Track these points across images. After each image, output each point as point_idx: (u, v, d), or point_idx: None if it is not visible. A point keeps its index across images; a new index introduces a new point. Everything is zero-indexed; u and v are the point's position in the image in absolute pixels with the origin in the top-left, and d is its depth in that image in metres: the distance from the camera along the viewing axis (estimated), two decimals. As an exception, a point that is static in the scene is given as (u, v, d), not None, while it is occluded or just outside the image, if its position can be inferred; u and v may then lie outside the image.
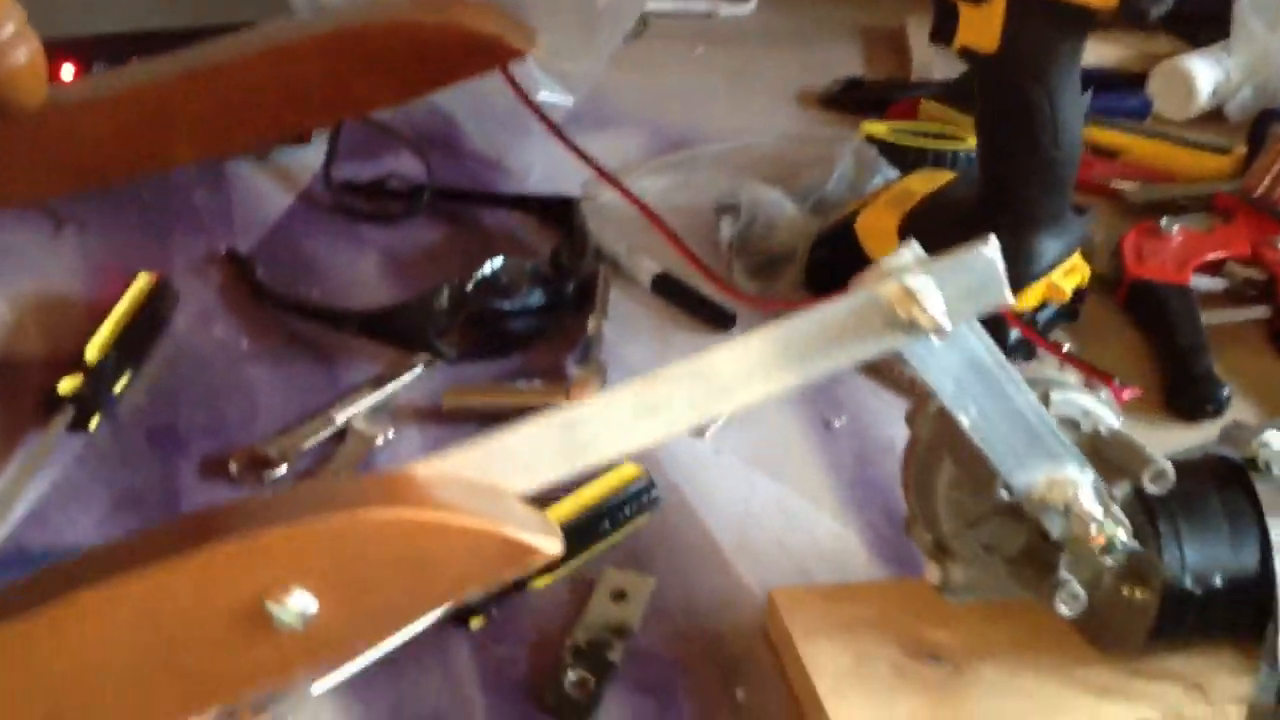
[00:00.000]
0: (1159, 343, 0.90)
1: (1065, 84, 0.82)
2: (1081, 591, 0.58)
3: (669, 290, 0.97)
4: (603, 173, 1.02)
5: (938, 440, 0.60)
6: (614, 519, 0.73)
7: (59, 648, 0.45)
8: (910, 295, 0.51)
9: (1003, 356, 0.55)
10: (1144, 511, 0.60)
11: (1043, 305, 0.89)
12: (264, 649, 0.47)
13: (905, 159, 1.05)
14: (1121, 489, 0.58)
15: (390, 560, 0.47)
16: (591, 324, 0.90)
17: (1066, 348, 0.89)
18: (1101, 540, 0.56)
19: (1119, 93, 1.25)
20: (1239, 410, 0.86)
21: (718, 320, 0.94)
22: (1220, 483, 0.60)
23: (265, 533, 0.46)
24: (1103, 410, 0.59)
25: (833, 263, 0.94)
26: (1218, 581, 0.59)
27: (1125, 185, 1.12)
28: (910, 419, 0.61)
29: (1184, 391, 0.85)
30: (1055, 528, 0.57)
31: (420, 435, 0.82)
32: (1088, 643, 0.64)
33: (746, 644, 0.68)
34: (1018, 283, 0.82)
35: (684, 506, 0.77)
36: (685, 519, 0.76)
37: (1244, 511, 0.60)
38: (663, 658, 0.67)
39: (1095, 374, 0.83)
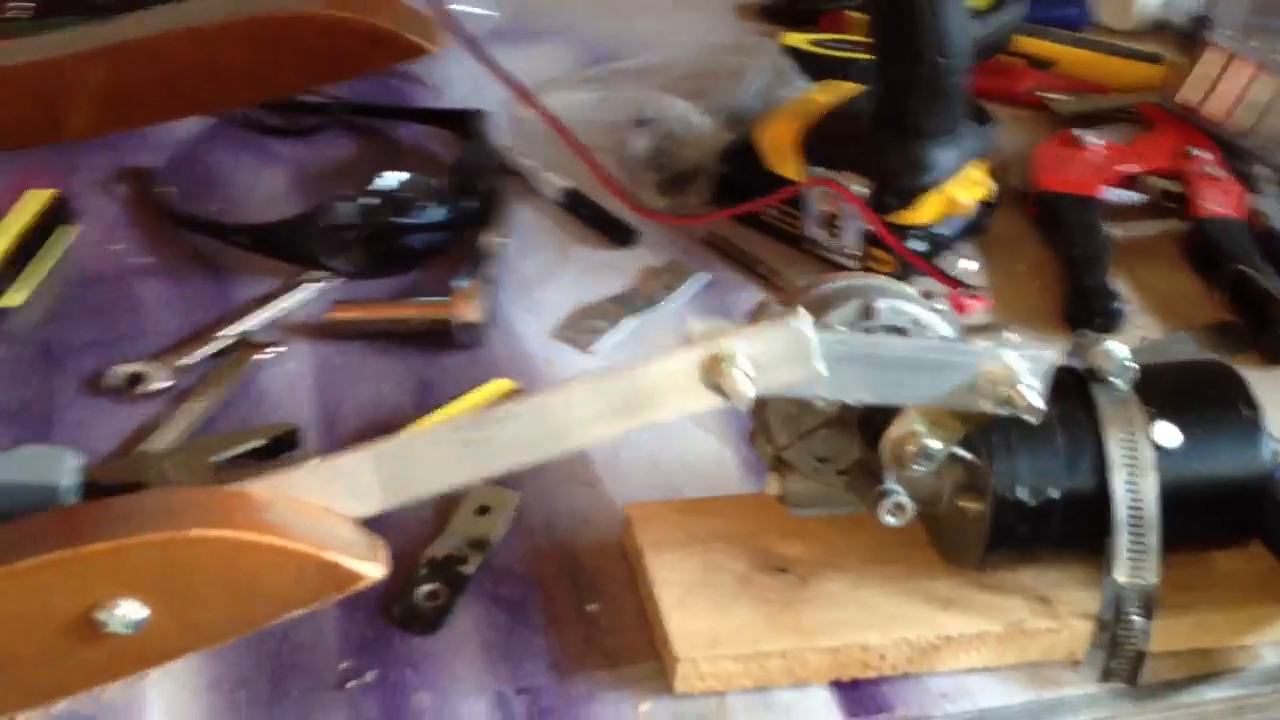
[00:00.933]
0: (1061, 256, 0.89)
1: (947, -12, 0.80)
2: (908, 502, 0.58)
3: (575, 205, 0.96)
4: (516, 87, 1.01)
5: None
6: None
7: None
8: (721, 365, 0.51)
9: None
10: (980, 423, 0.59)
11: (942, 218, 0.87)
12: (96, 653, 0.48)
13: (824, 70, 1.04)
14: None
15: (216, 577, 0.48)
16: (485, 239, 0.89)
17: (963, 264, 0.88)
18: (914, 448, 0.55)
19: (1057, 2, 1.23)
20: (1144, 324, 0.86)
21: (620, 236, 0.93)
22: (1059, 394, 0.59)
23: (92, 547, 0.46)
24: (934, 320, 0.58)
25: (736, 177, 0.93)
26: (1053, 493, 0.58)
27: (1054, 96, 1.10)
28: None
29: (1079, 304, 0.84)
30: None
31: (310, 350, 0.82)
32: (939, 557, 0.64)
33: (604, 559, 0.67)
34: (910, 195, 0.83)
35: (559, 420, 0.76)
36: (560, 434, 0.75)
37: (1081, 423, 0.59)
38: (519, 572, 0.67)
39: (948, 283, 0.83)
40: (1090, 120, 1.05)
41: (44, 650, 0.46)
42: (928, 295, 0.61)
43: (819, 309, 0.59)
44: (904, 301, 0.59)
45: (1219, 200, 0.91)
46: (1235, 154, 0.98)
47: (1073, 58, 1.14)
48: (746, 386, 0.52)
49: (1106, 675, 0.59)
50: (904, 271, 0.86)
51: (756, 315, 0.60)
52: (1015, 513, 0.59)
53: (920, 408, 0.56)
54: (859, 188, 0.85)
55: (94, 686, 0.52)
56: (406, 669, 0.61)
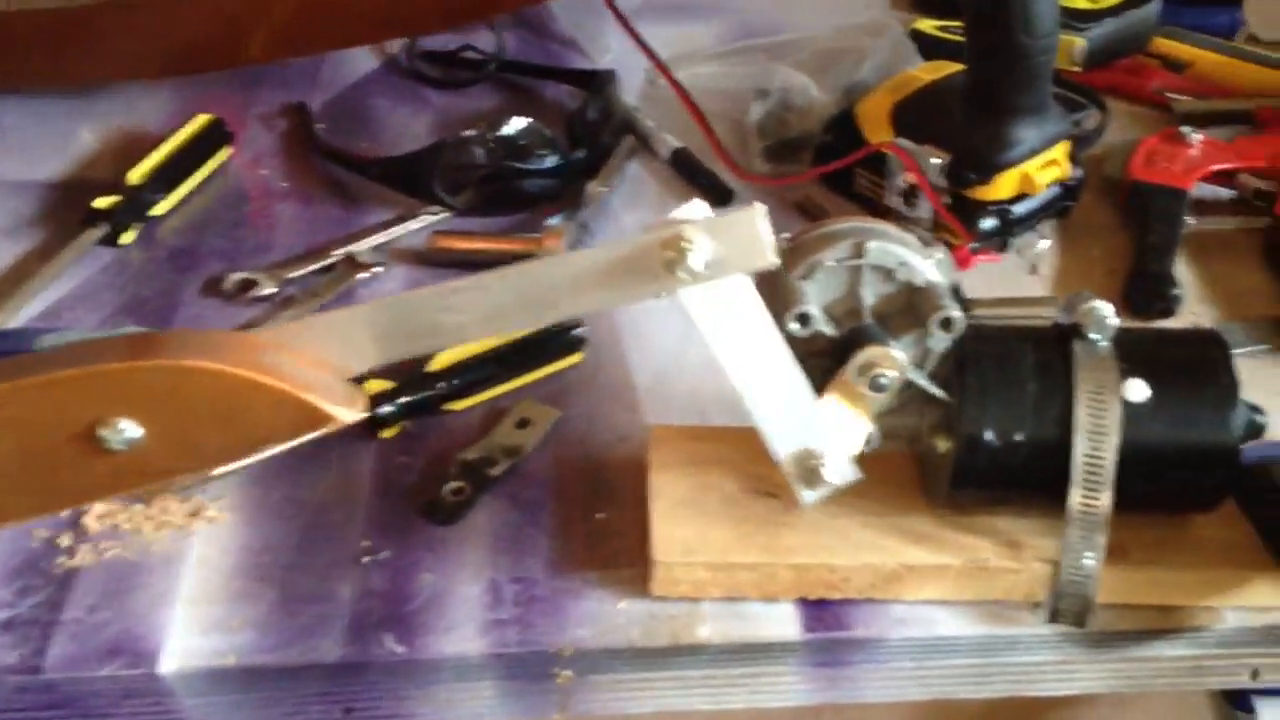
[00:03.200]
0: (1137, 243, 0.91)
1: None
2: (875, 433, 0.62)
3: (681, 165, 1.02)
4: (650, 53, 1.07)
5: (766, 284, 0.64)
6: (536, 355, 0.79)
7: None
8: (680, 245, 0.55)
9: (770, 322, 0.58)
10: (957, 365, 0.63)
11: (1020, 197, 0.90)
12: (100, 467, 0.55)
13: (943, 53, 1.06)
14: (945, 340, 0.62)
15: (206, 405, 0.54)
16: (591, 187, 0.96)
17: (1046, 243, 0.91)
18: (871, 374, 0.60)
19: (1211, 8, 1.23)
20: (1203, 312, 0.87)
21: (718, 196, 0.99)
22: (1039, 344, 0.63)
23: (100, 367, 0.54)
24: (921, 263, 0.62)
25: (836, 146, 0.97)
26: (1019, 437, 0.62)
27: (1178, 97, 1.10)
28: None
29: (1139, 288, 0.86)
30: (805, 497, 0.62)
31: (405, 274, 0.90)
32: (924, 497, 0.68)
33: (625, 474, 0.73)
34: (986, 170, 0.86)
35: (616, 351, 0.82)
36: (613, 362, 0.82)
37: (1056, 373, 0.62)
38: (542, 479, 0.73)
39: (968, 238, 0.87)
40: (1208, 120, 1.05)
41: (52, 460, 0.54)
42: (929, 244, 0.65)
43: (823, 245, 0.64)
44: (894, 244, 0.63)
45: (1305, 200, 0.91)
46: (1347, 161, 0.97)
47: (1206, 61, 1.14)
48: (697, 267, 0.55)
49: (1054, 616, 0.62)
50: (976, 243, 0.89)
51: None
52: (980, 452, 0.62)
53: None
54: (934, 159, 0.88)
55: (95, 499, 0.60)
56: (421, 551, 0.68)
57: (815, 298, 0.63)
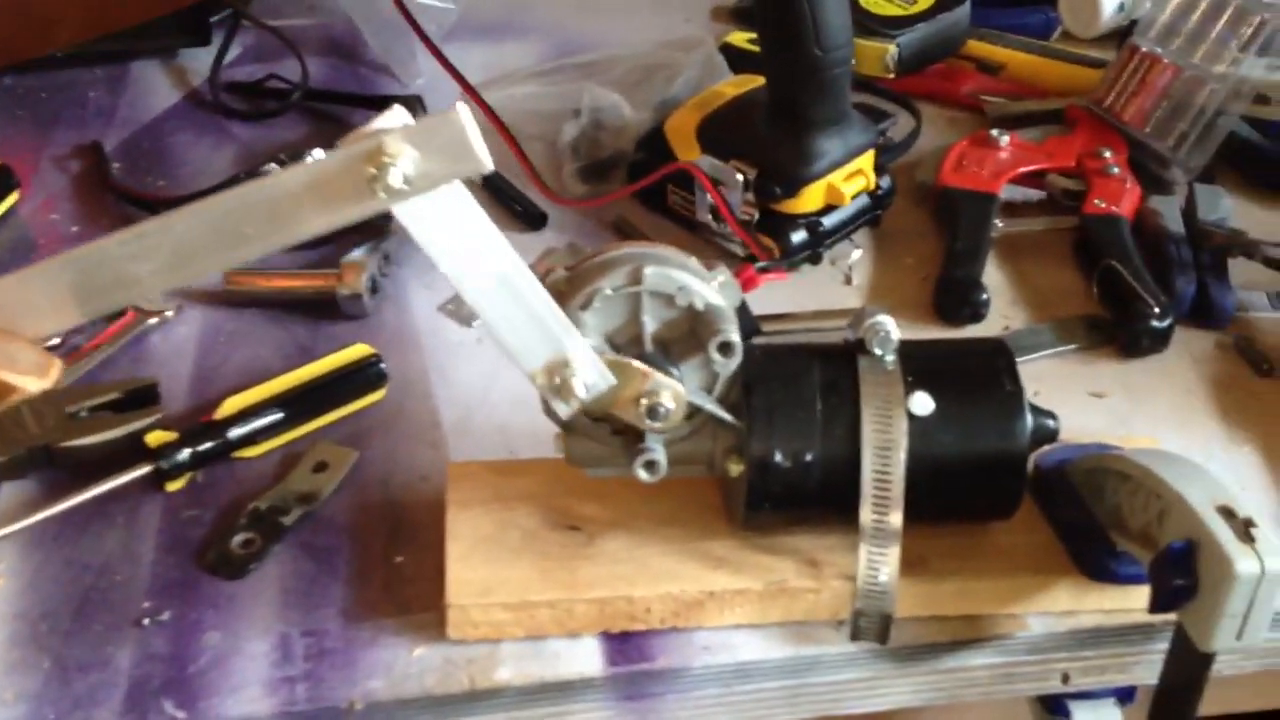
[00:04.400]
0: (946, 249, 0.91)
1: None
2: (662, 460, 0.60)
3: (493, 189, 1.00)
4: (457, 76, 1.04)
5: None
6: (334, 394, 0.76)
7: None
8: (382, 153, 0.52)
9: (494, 231, 0.56)
10: (744, 388, 0.62)
11: (829, 208, 0.89)
12: None
13: (755, 67, 1.06)
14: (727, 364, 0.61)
15: None
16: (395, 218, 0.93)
17: (859, 253, 0.90)
18: (639, 408, 0.58)
19: (1025, 9, 1.24)
20: (1015, 315, 0.87)
21: (531, 219, 0.97)
22: (826, 362, 0.62)
23: None
24: (701, 286, 0.61)
25: (648, 164, 0.96)
26: (809, 458, 0.61)
27: (993, 99, 1.11)
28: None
29: (947, 294, 0.86)
30: (559, 409, 0.59)
31: (202, 315, 0.86)
32: (727, 521, 0.66)
33: (427, 514, 0.71)
34: (795, 185, 0.85)
35: (423, 388, 0.80)
36: (418, 399, 0.79)
37: (843, 391, 0.61)
38: (339, 524, 0.70)
39: (763, 256, 0.87)
40: (1020, 121, 1.06)
41: None
42: (710, 266, 0.63)
43: (601, 273, 0.62)
44: (674, 269, 0.61)
45: (1108, 198, 0.91)
46: (1150, 155, 0.98)
47: (1018, 62, 1.15)
48: (397, 181, 0.52)
49: (856, 634, 0.61)
50: (784, 256, 0.88)
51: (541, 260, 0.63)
52: (772, 474, 0.61)
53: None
54: (739, 175, 0.87)
55: None
56: (207, 610, 0.65)
57: (596, 327, 0.61)
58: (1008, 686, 0.65)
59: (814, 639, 0.63)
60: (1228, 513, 0.54)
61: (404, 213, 0.54)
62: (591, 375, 0.58)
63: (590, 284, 0.60)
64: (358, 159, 0.52)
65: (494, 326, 0.57)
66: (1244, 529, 0.53)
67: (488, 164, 0.53)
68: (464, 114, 0.52)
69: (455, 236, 0.55)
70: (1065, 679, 0.66)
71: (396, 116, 0.53)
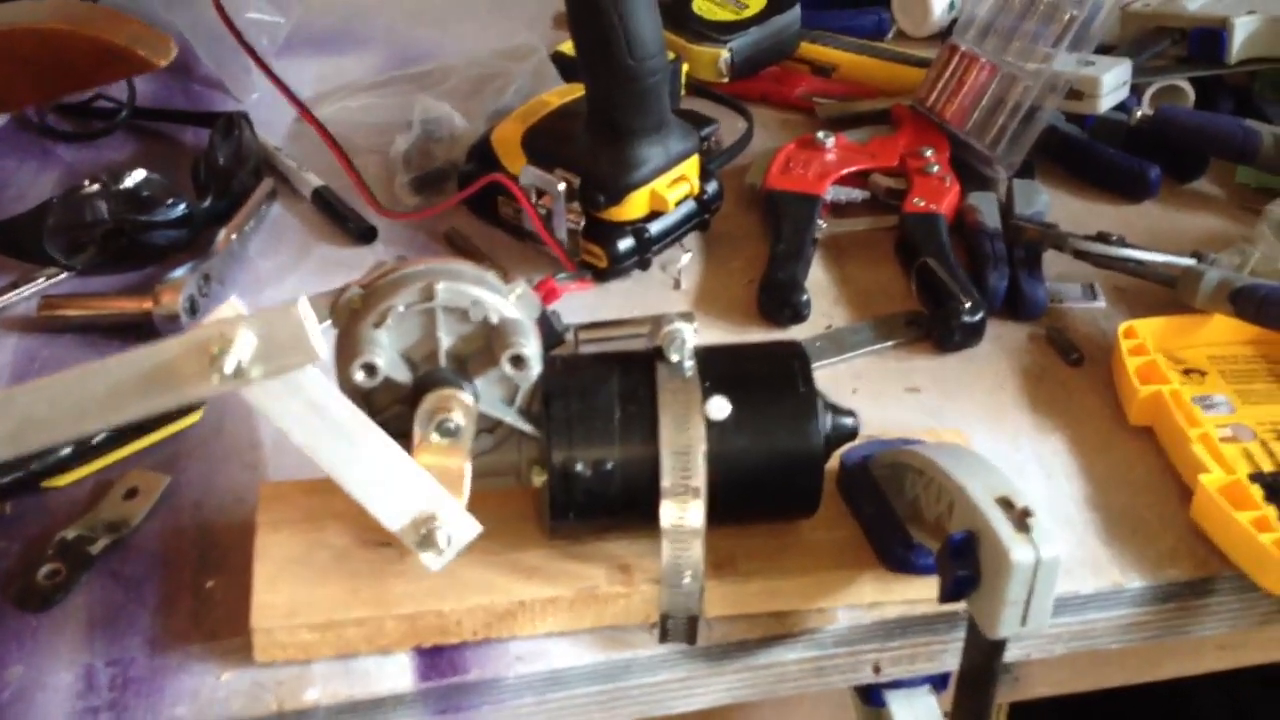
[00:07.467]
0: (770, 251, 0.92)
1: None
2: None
3: (323, 204, 0.99)
4: (285, 90, 1.04)
5: (344, 334, 0.62)
6: (147, 420, 0.75)
7: None
8: (218, 346, 0.52)
9: (346, 405, 0.56)
10: (544, 399, 0.62)
11: (654, 215, 0.90)
12: None
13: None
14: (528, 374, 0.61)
15: None
16: (221, 235, 0.93)
17: (687, 257, 0.91)
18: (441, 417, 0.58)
19: (858, 10, 1.26)
20: (838, 315, 0.88)
21: (360, 233, 0.96)
22: (625, 370, 0.62)
23: None
24: (495, 300, 0.61)
25: (478, 175, 0.96)
26: (609, 466, 0.61)
27: (825, 101, 1.12)
28: (331, 312, 0.64)
29: (768, 296, 0.87)
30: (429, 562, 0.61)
31: (16, 343, 0.85)
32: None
33: (241, 537, 0.70)
34: (618, 193, 0.86)
35: (244, 408, 0.78)
36: (239, 421, 0.78)
37: (641, 399, 0.61)
38: (150, 551, 0.69)
39: (569, 266, 0.89)
40: (850, 123, 1.08)
41: None
42: (509, 280, 0.64)
43: (394, 290, 0.62)
44: (467, 284, 0.61)
45: (927, 197, 0.93)
46: (971, 153, 1.00)
47: (850, 63, 1.17)
48: (230, 368, 0.52)
49: (664, 636, 0.62)
50: (612, 264, 0.88)
51: (335, 302, 0.63)
52: (574, 483, 0.61)
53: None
54: (561, 185, 0.88)
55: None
56: (10, 644, 0.64)
57: (391, 345, 0.61)
58: (820, 679, 0.66)
59: (627, 643, 0.64)
60: (1006, 503, 0.56)
61: (250, 395, 0.54)
62: (455, 525, 0.59)
63: (383, 301, 0.60)
64: (196, 346, 0.53)
65: (355, 493, 0.58)
66: (1021, 518, 0.55)
67: (323, 355, 0.53)
68: (301, 307, 0.52)
69: (305, 415, 0.56)
70: (876, 669, 0.67)
71: (234, 306, 0.53)
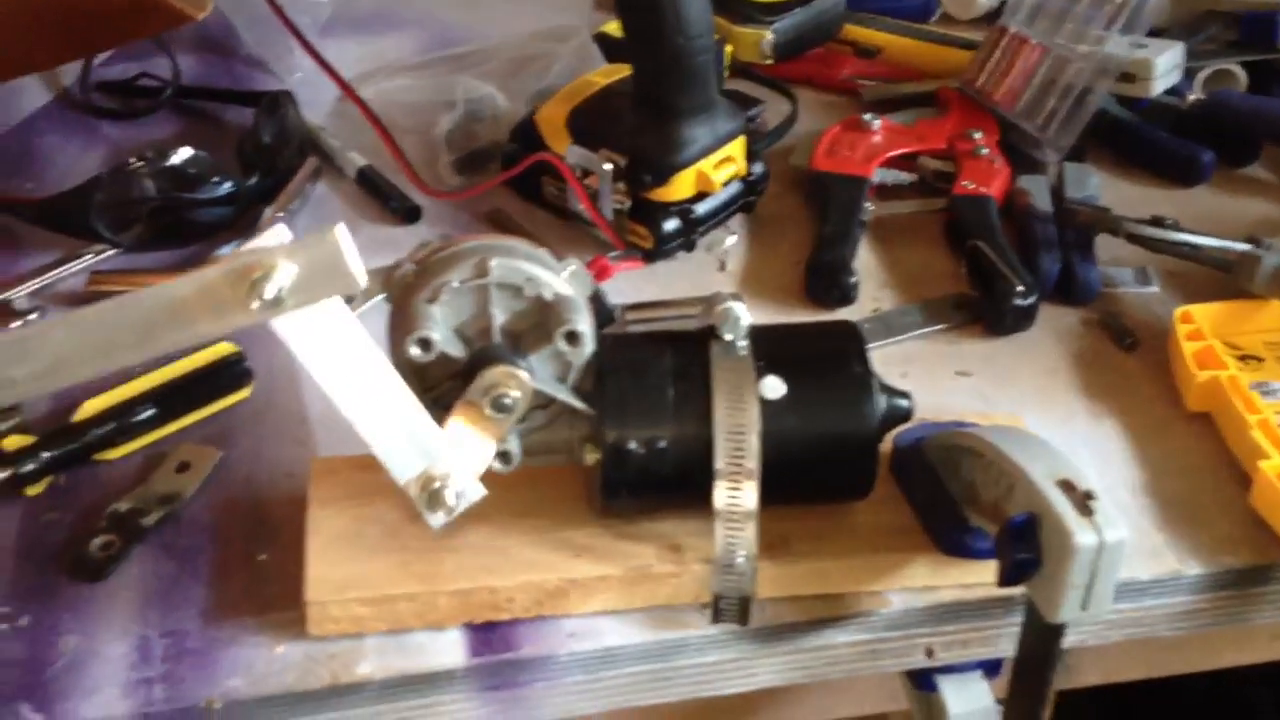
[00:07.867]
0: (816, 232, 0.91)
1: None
2: (515, 451, 0.60)
3: (368, 183, 0.99)
4: (330, 70, 1.04)
5: (397, 309, 0.62)
6: (197, 396, 0.75)
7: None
8: (257, 273, 0.52)
9: (372, 346, 0.56)
10: (597, 376, 0.62)
11: (700, 195, 0.90)
12: None
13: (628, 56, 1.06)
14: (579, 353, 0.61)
15: None
16: (267, 213, 0.93)
17: (732, 239, 0.91)
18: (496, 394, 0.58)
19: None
20: (885, 298, 0.88)
21: (406, 213, 0.96)
22: (678, 348, 0.62)
23: None
24: (549, 277, 0.61)
25: (521, 155, 0.95)
26: (662, 444, 0.61)
27: (869, 83, 1.12)
28: (385, 287, 0.63)
29: (816, 278, 0.86)
30: (432, 520, 0.60)
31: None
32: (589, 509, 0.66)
33: (292, 511, 0.70)
34: (664, 173, 0.85)
35: (288, 383, 0.79)
36: (285, 395, 0.78)
37: (694, 377, 0.61)
38: (202, 524, 0.70)
39: (619, 245, 0.88)
40: (895, 105, 1.07)
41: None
42: (560, 258, 0.63)
43: (447, 266, 0.62)
44: (521, 260, 0.61)
45: (976, 179, 0.92)
46: (1021, 135, 0.99)
47: (895, 45, 1.16)
48: (270, 295, 0.52)
49: (717, 616, 0.62)
50: (657, 244, 0.88)
51: (389, 277, 0.63)
52: (627, 461, 0.61)
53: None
54: (607, 165, 0.87)
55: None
56: (65, 614, 0.64)
57: (444, 320, 0.61)
58: (873, 663, 0.66)
59: (678, 623, 0.64)
60: (1068, 486, 0.55)
61: (280, 325, 0.54)
62: (465, 485, 0.59)
63: (437, 277, 0.60)
64: (236, 273, 0.52)
65: (368, 437, 0.58)
66: (1083, 501, 0.54)
67: (362, 283, 0.53)
68: (341, 235, 0.52)
69: (330, 350, 0.55)
70: (929, 653, 0.67)
71: (278, 234, 0.53)
